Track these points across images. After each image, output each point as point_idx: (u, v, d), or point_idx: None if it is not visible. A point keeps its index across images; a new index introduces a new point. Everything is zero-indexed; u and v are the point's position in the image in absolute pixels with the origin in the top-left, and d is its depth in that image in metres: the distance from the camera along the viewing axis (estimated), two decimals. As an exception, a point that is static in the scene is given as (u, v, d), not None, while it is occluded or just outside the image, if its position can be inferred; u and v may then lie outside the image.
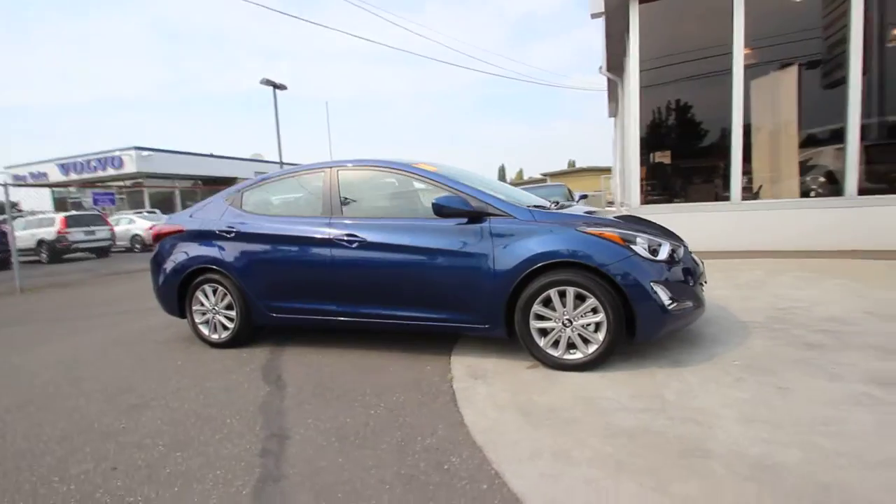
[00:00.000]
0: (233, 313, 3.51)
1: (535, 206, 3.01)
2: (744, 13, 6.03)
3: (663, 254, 2.68)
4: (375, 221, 3.12)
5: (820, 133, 6.45)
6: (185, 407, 2.56)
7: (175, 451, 2.09)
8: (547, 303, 2.71)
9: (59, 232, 12.45)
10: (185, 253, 3.61)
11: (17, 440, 2.30)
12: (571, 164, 55.72)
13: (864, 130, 5.92)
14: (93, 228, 13.25)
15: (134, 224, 15.64)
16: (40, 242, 12.71)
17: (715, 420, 2.07)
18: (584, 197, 7.16)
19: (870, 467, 1.67)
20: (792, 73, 6.23)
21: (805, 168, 6.49)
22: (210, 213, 3.66)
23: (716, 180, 6.82)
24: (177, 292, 3.64)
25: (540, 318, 2.72)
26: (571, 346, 2.71)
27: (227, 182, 30.78)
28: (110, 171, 24.38)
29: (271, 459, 1.97)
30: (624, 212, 7.64)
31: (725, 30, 6.20)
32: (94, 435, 2.30)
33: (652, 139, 7.11)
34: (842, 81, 6.06)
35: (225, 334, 3.57)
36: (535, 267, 2.65)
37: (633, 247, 2.61)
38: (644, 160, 7.05)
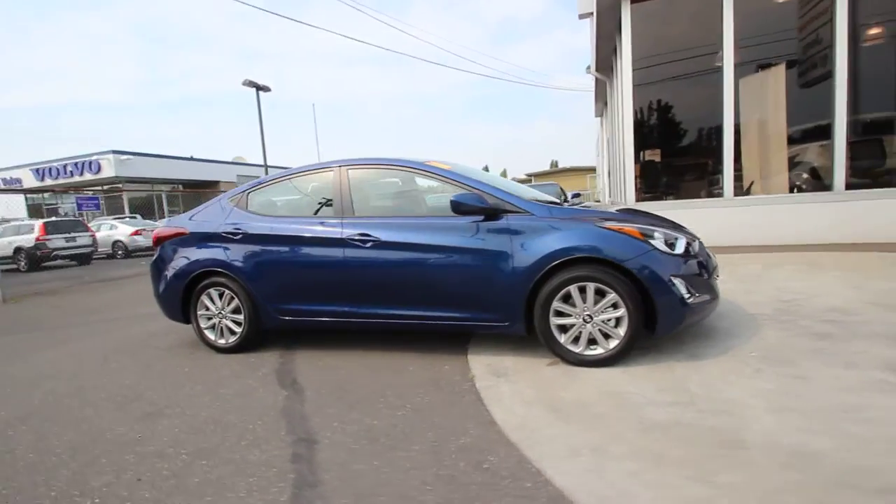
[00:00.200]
0: (240, 317, 3.43)
1: (550, 203, 3.01)
2: (733, 13, 6.15)
3: (680, 248, 2.71)
4: (389, 220, 3.08)
5: (805, 130, 6.63)
6: (202, 414, 2.49)
7: (199, 459, 2.03)
8: (566, 299, 2.71)
9: (38, 239, 12.01)
10: (189, 256, 3.51)
11: (26, 453, 2.20)
12: (554, 164, 56.09)
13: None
14: (74, 235, 12.83)
15: (116, 230, 15.21)
16: (17, 250, 12.26)
17: (745, 411, 2.09)
18: (577, 195, 7.23)
19: (905, 451, 1.70)
20: (780, 71, 6.39)
21: (791, 164, 6.66)
22: (214, 215, 3.57)
23: (708, 177, 6.96)
24: (181, 297, 3.54)
25: (559, 314, 2.72)
26: (591, 341, 2.71)
27: (209, 186, 30.31)
28: (87, 176, 23.69)
29: (304, 464, 1.92)
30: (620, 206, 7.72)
31: (716, 30, 6.32)
32: (109, 445, 2.21)
33: (644, 137, 7.21)
34: (821, 80, 6.26)
35: (232, 339, 3.48)
36: (555, 263, 2.65)
37: (651, 241, 2.63)
38: (636, 158, 7.15)
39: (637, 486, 1.65)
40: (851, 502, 1.48)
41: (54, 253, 12.36)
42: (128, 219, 17.01)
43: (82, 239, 13.09)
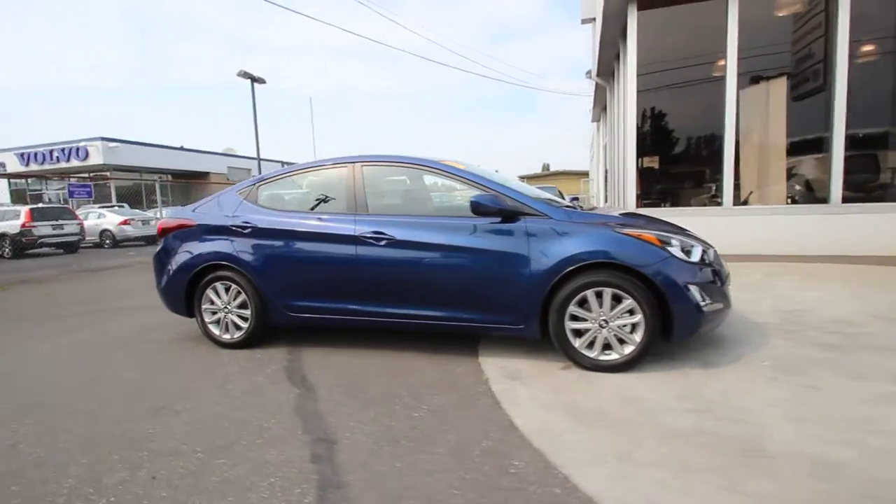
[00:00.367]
0: (247, 312, 3.36)
1: (567, 206, 3.01)
2: (737, 25, 6.23)
3: (696, 255, 2.72)
4: (404, 219, 3.04)
5: (800, 142, 6.74)
6: (212, 410, 2.43)
7: (216, 457, 1.98)
8: (581, 303, 2.70)
9: (23, 225, 11.70)
10: (196, 248, 3.44)
11: (32, 449, 2.12)
12: (546, 167, 56.24)
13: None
14: (61, 222, 12.53)
15: (104, 219, 14.89)
16: (2, 236, 11.92)
17: (763, 420, 2.11)
18: (574, 199, 7.26)
19: (926, 464, 1.73)
20: (780, 83, 6.49)
21: (787, 176, 6.77)
22: (222, 208, 3.50)
23: (707, 185, 7.04)
24: (185, 290, 3.46)
25: (574, 318, 2.72)
26: (606, 346, 2.72)
27: (199, 177, 29.87)
28: (74, 163, 23.17)
29: (325, 465, 1.89)
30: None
31: (720, 40, 6.39)
32: (120, 442, 2.15)
33: (645, 143, 7.26)
34: (814, 93, 6.39)
35: (238, 334, 3.42)
36: (573, 267, 2.64)
37: (669, 248, 2.64)
38: (637, 164, 7.20)
39: (666, 494, 1.65)
40: (881, 514, 1.50)
41: (40, 240, 12.05)
42: (116, 207, 16.66)
43: (69, 227, 12.79)
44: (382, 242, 3.00)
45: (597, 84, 11.10)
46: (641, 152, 7.01)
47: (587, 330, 2.72)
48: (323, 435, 2.14)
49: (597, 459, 1.87)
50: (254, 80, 19.59)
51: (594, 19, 9.90)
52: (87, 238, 13.90)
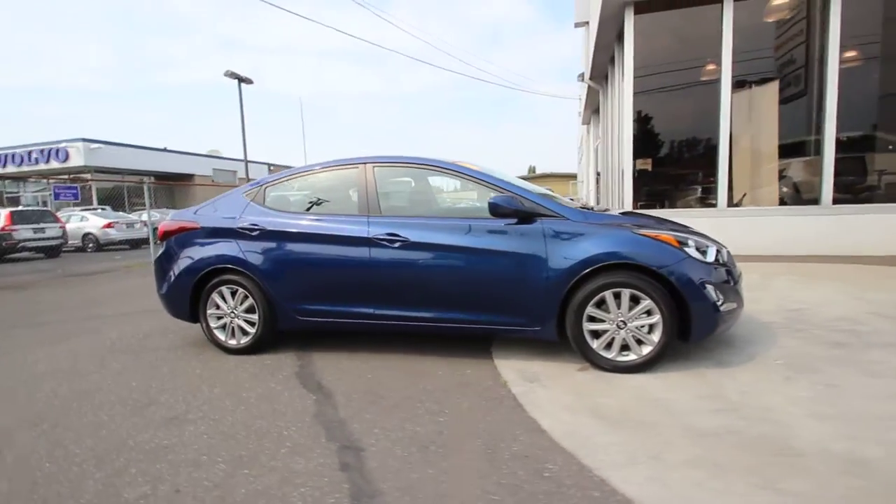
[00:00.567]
0: (254, 317, 3.29)
1: (583, 208, 3.01)
2: (732, 30, 6.35)
3: (711, 255, 2.74)
4: (418, 220, 3.01)
5: (789, 145, 6.90)
6: (229, 419, 2.36)
7: (240, 468, 1.92)
8: (599, 304, 2.70)
9: (3, 229, 11.31)
10: (200, 252, 3.35)
11: (42, 463, 2.03)
12: (532, 169, 56.57)
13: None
14: (42, 226, 12.14)
15: (87, 222, 14.49)
16: (-20, 240, 11.51)
17: (787, 418, 2.13)
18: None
19: (954, 459, 1.76)
20: (772, 87, 6.63)
21: (779, 178, 6.91)
22: (227, 210, 3.42)
23: (702, 187, 7.14)
24: (190, 295, 3.37)
25: (592, 319, 2.72)
26: (624, 347, 2.72)
27: (183, 178, 29.30)
28: (54, 164, 22.52)
29: (356, 474, 1.84)
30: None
31: (714, 45, 6.50)
32: (135, 453, 2.07)
33: (642, 146, 7.35)
34: (799, 96, 6.56)
35: (245, 340, 3.34)
36: (592, 268, 2.64)
37: (686, 249, 2.66)
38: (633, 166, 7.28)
39: (705, 495, 1.64)
40: (920, 510, 1.52)
41: (21, 244, 11.67)
42: (100, 210, 16.24)
43: (51, 230, 12.40)
44: (396, 244, 2.96)
45: (589, 87, 11.21)
46: (638, 154, 7.08)
47: (605, 331, 2.72)
48: (348, 442, 2.09)
49: (630, 461, 1.86)
50: (241, 80, 19.32)
51: (587, 23, 10.00)
52: (69, 242, 13.51)
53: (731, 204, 6.75)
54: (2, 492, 1.83)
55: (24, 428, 2.36)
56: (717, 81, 6.55)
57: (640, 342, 2.69)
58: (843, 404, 2.23)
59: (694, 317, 2.60)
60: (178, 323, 4.06)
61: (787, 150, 6.83)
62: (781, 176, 6.94)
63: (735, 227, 6.56)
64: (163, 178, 26.76)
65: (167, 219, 3.65)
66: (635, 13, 6.61)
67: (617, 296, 2.66)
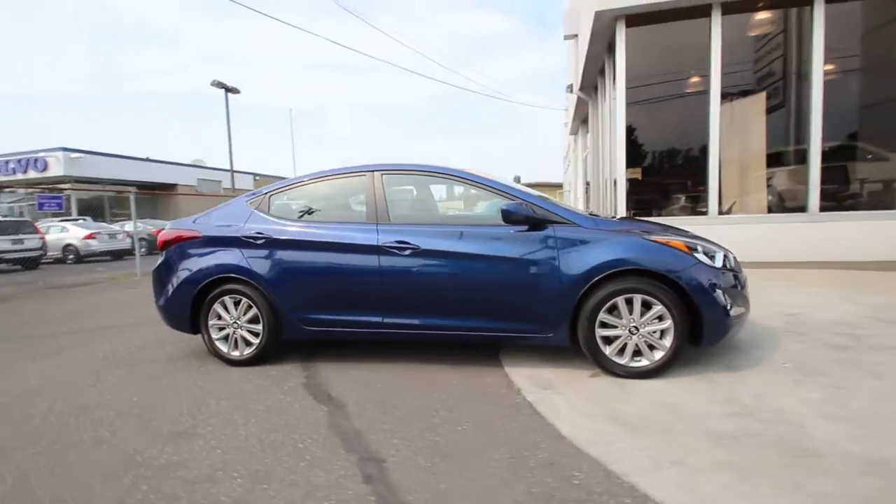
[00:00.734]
0: (258, 327, 3.22)
1: (592, 214, 3.03)
2: (720, 43, 6.54)
3: (719, 260, 2.79)
4: (429, 228, 3.00)
5: (777, 154, 7.11)
6: (240, 432, 2.29)
7: (259, 483, 1.85)
8: (611, 310, 2.72)
9: (-21, 240, 10.92)
10: (202, 261, 3.27)
11: (45, 482, 1.93)
12: (517, 179, 57.02)
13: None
14: (21, 237, 11.75)
15: (67, 232, 14.09)
16: (-45, 252, 11.09)
17: (801, 420, 2.15)
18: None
19: (970, 457, 1.79)
20: (760, 98, 6.83)
21: (767, 186, 7.10)
22: (230, 218, 3.35)
23: (692, 196, 7.29)
24: (191, 305, 3.28)
25: (604, 325, 2.73)
26: (636, 353, 2.73)
27: (166, 188, 28.78)
28: (32, 174, 21.93)
29: (380, 486, 1.80)
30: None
31: (704, 57, 6.68)
32: (145, 470, 1.99)
33: (632, 156, 7.47)
34: (780, 107, 6.80)
35: (248, 350, 3.26)
36: (605, 274, 2.65)
37: (696, 254, 2.70)
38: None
39: (734, 498, 1.64)
40: (947, 508, 1.54)
41: (-2, 256, 11.27)
42: (81, 221, 15.82)
43: (30, 241, 12.01)
44: (407, 252, 2.93)
45: (578, 98, 11.40)
46: (629, 164, 7.20)
47: (617, 337, 2.73)
48: (367, 453, 2.04)
49: (655, 466, 1.86)
50: (228, 89, 19.19)
51: (576, 36, 10.20)
52: (48, 253, 13.11)
53: (720, 212, 6.89)
54: (5, 514, 1.74)
55: (22, 446, 2.25)
56: (707, 92, 6.72)
57: (652, 347, 2.70)
58: (853, 406, 2.27)
59: (706, 322, 2.63)
60: (173, 335, 3.96)
61: (774, 160, 7.03)
62: (769, 184, 7.12)
63: (726, 234, 6.65)
64: (145, 187, 26.24)
65: (166, 228, 3.57)
66: (627, 26, 6.77)
67: (629, 301, 2.68)
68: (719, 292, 2.65)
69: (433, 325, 2.97)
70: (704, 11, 6.54)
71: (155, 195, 26.47)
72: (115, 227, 16.11)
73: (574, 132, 16.09)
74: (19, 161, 22.03)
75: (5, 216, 15.12)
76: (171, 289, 3.35)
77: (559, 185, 33.70)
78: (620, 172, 7.14)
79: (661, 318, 2.65)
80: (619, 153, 7.11)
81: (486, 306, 2.88)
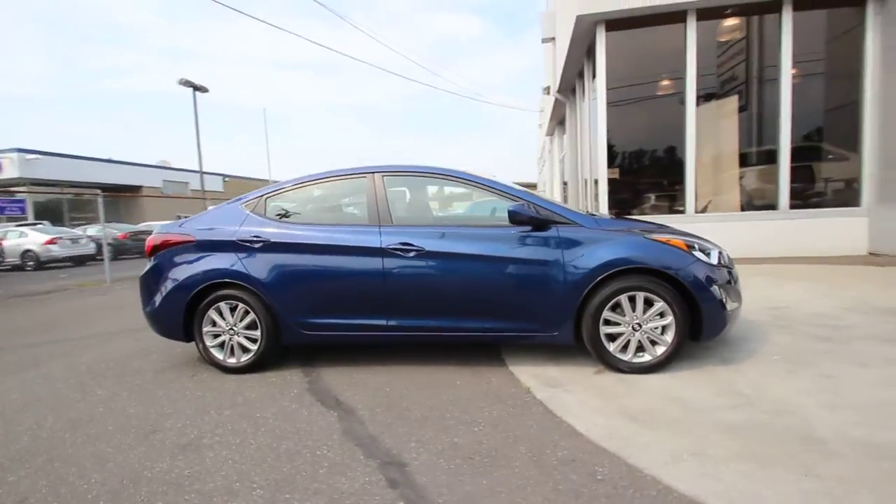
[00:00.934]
0: (256, 333, 3.13)
1: (592, 215, 3.09)
2: (696, 47, 6.77)
3: (714, 257, 2.89)
4: (432, 229, 2.99)
5: (748, 154, 7.42)
6: (251, 441, 2.22)
7: (281, 492, 1.80)
8: (614, 308, 2.78)
9: (-72, 247, 10.20)
10: (196, 266, 3.16)
11: (46, 502, 1.83)
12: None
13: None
14: (-25, 243, 11.07)
15: (26, 238, 13.33)
16: None
17: (802, 409, 2.26)
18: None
19: (960, 438, 1.92)
20: (733, 101, 7.12)
21: (740, 185, 7.40)
22: (224, 221, 3.25)
23: (668, 195, 7.52)
24: (184, 312, 3.16)
25: (608, 322, 2.78)
26: (638, 349, 2.80)
27: (130, 190, 27.63)
28: (-17, 176, 20.67)
29: (407, 490, 1.78)
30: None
31: (680, 60, 6.91)
32: (157, 485, 1.90)
33: (614, 156, 7.66)
34: (745, 108, 7.14)
35: (245, 357, 3.16)
36: (608, 273, 2.71)
37: (694, 252, 2.79)
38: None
39: (756, 485, 1.71)
40: (949, 486, 1.64)
41: (-50, 264, 10.56)
42: (40, 226, 15.00)
43: (-15, 248, 11.33)
44: (411, 254, 2.92)
45: (556, 100, 11.58)
46: (611, 164, 7.36)
47: (620, 334, 2.79)
48: (388, 458, 2.02)
49: (674, 459, 1.91)
50: (196, 88, 18.61)
51: (554, 39, 10.37)
52: (6, 260, 12.38)
53: (698, 210, 7.14)
54: (8, 538, 1.63)
55: (15, 465, 2.12)
56: (683, 94, 6.95)
57: (653, 343, 2.78)
58: (846, 394, 2.40)
59: (705, 317, 2.72)
60: (157, 343, 3.83)
61: (744, 160, 7.33)
62: (741, 184, 7.43)
63: (703, 231, 6.88)
64: (108, 189, 25.11)
65: (154, 232, 3.43)
66: (606, 30, 6.93)
67: (632, 299, 2.75)
68: (716, 288, 2.75)
69: (438, 327, 2.96)
70: (680, 17, 6.77)
71: (118, 197, 25.39)
72: (78, 231, 15.37)
73: (550, 133, 16.35)
74: (-31, 163, 20.72)
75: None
76: (161, 295, 3.22)
77: (534, 185, 34.18)
78: (602, 172, 7.30)
79: (662, 315, 2.73)
80: (600, 154, 7.27)
81: (492, 307, 2.89)
